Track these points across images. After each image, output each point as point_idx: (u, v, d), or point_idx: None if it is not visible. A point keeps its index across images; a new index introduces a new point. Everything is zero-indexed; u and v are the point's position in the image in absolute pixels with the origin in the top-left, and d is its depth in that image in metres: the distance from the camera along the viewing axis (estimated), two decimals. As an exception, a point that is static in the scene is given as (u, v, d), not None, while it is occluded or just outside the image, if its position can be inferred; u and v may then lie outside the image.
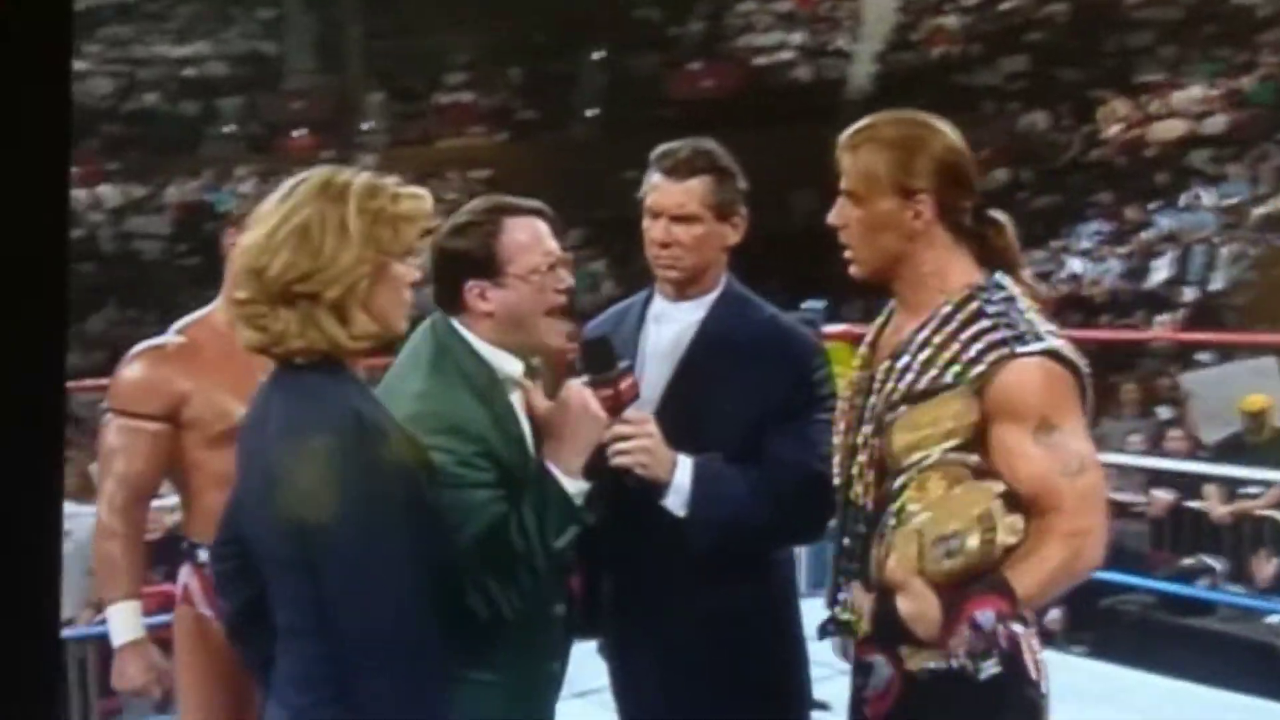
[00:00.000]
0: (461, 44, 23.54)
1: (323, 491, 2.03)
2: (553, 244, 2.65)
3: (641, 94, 21.16)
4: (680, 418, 2.77)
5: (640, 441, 2.64)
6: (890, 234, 2.38)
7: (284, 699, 2.14)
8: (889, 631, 2.28)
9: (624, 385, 2.64)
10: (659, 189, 2.90)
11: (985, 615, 2.17)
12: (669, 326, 2.93)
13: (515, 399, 2.64)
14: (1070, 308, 13.55)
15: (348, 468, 2.03)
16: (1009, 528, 2.23)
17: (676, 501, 2.68)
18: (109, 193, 19.84)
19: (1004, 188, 16.62)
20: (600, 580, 2.81)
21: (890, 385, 2.36)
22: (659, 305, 2.96)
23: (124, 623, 3.14)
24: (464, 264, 2.59)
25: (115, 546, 3.14)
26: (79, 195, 18.90)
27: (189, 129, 21.66)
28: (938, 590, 2.21)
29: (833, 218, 2.44)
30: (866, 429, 2.39)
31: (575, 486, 2.48)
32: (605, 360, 2.65)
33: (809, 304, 6.15)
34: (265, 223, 2.10)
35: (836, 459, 2.49)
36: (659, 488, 2.67)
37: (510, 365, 2.62)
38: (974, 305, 2.33)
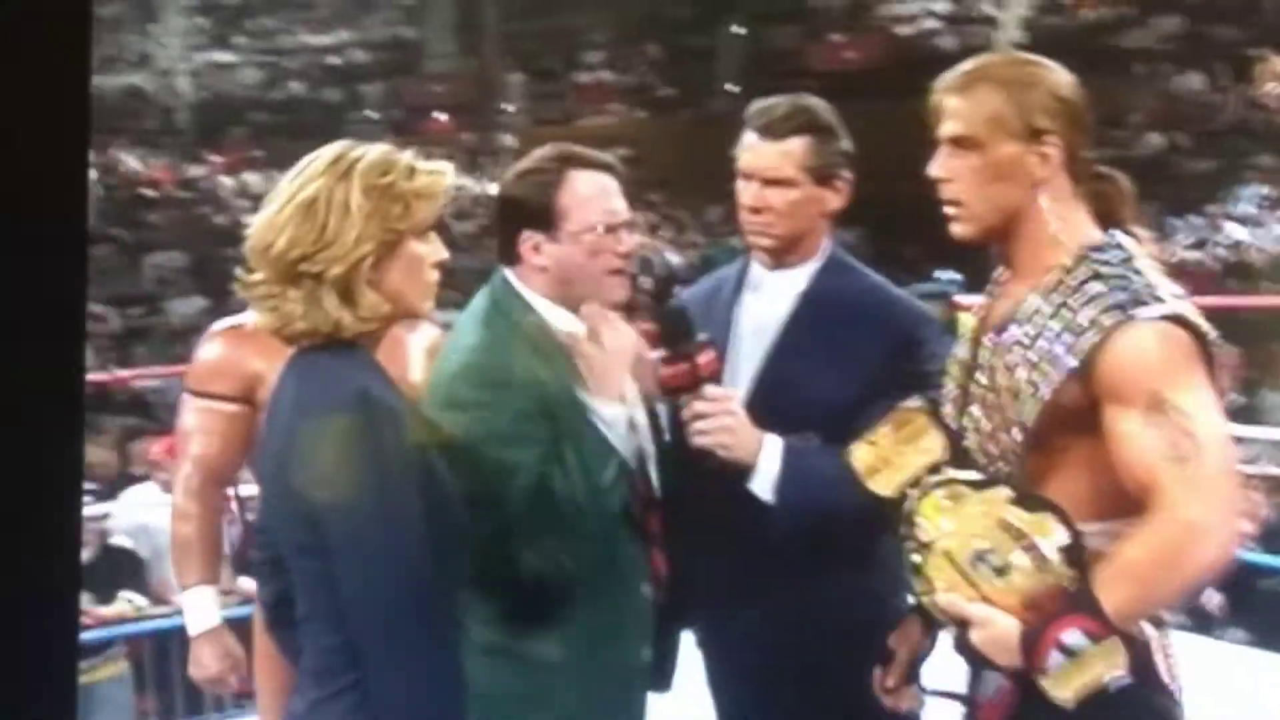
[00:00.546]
0: (599, 22, 23.44)
1: (329, 473, 1.98)
2: (617, 204, 2.50)
3: (782, 67, 20.80)
4: (775, 396, 2.58)
5: (721, 420, 2.44)
6: (1011, 183, 2.14)
7: (303, 691, 2.09)
8: (974, 659, 2.05)
9: (702, 359, 2.45)
10: (752, 150, 2.70)
11: (1073, 636, 1.91)
12: (766, 297, 2.73)
13: (578, 360, 2.48)
14: (1231, 274, 12.98)
15: (353, 449, 1.97)
16: (1042, 529, 1.97)
17: (763, 486, 2.48)
18: (255, 180, 20.19)
19: (1159, 152, 16.00)
20: (688, 567, 2.62)
21: (997, 363, 2.13)
22: (756, 274, 2.76)
23: (199, 609, 3.06)
24: (520, 213, 2.47)
25: (190, 530, 3.06)
26: (226, 183, 19.25)
27: (331, 115, 21.91)
28: (1014, 611, 1.97)
29: (937, 169, 2.20)
30: (974, 411, 2.16)
31: (609, 410, 2.36)
32: (682, 332, 2.48)
33: (944, 274, 5.93)
34: (275, 200, 2.07)
35: None
36: (744, 471, 2.47)
37: (568, 322, 2.47)
38: (1089, 266, 2.09)
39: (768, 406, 2.53)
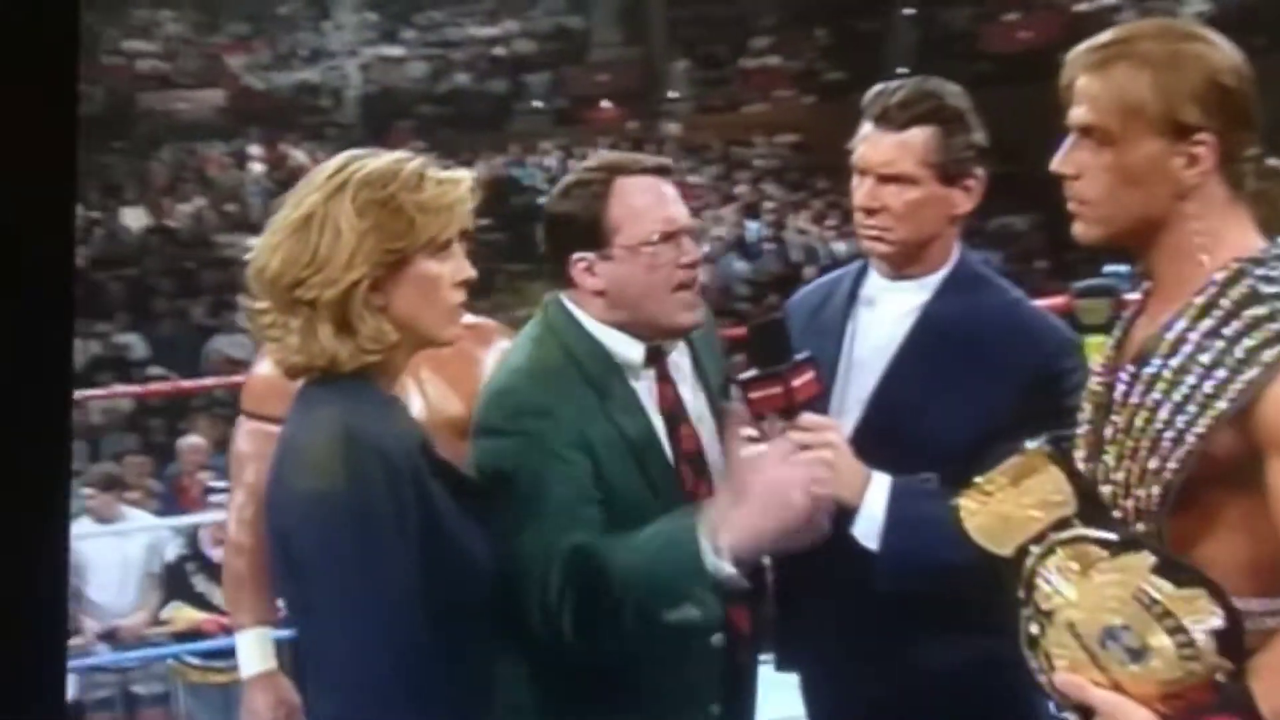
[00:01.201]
0: (766, 7, 23.04)
1: (304, 523, 1.82)
2: (675, 210, 2.25)
3: (955, 49, 20.24)
4: (887, 428, 2.28)
5: (819, 452, 2.12)
6: (1152, 188, 1.79)
7: None
8: None
9: (798, 382, 2.16)
10: (867, 141, 2.40)
11: None
12: (882, 312, 2.42)
13: (642, 389, 2.23)
14: None
15: (330, 496, 1.81)
16: (1192, 608, 1.60)
17: (866, 530, 2.18)
18: (419, 172, 20.25)
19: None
20: (789, 608, 2.33)
21: (1132, 403, 1.78)
22: (873, 284, 2.44)
23: (253, 651, 2.89)
24: (568, 232, 2.26)
25: (243, 564, 2.88)
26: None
27: (497, 106, 21.93)
28: (1150, 703, 1.61)
29: (1061, 163, 1.87)
30: (1108, 459, 1.81)
31: (716, 565, 2.00)
32: (776, 349, 2.20)
33: (1111, 268, 5.52)
34: (276, 218, 1.95)
35: None
36: (845, 512, 2.15)
37: (629, 350, 2.25)
38: (1246, 284, 1.73)
39: (878, 439, 2.22)
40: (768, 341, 2.20)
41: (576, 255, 2.24)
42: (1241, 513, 1.72)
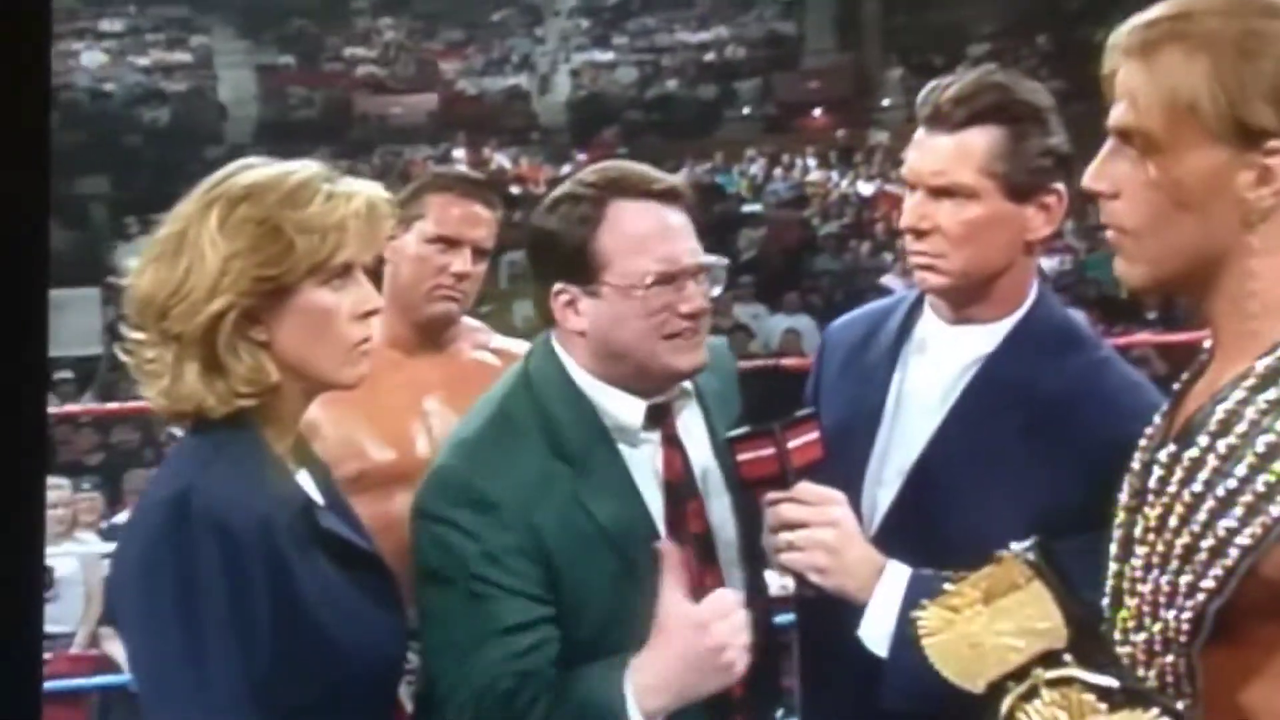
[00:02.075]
0: (986, 14, 22.24)
1: (124, 575, 1.59)
2: (680, 245, 1.85)
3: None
4: (930, 508, 1.85)
5: (818, 533, 1.70)
6: (1210, 214, 1.33)
7: None
8: None
9: (795, 443, 1.75)
10: (916, 146, 1.94)
11: None
12: (936, 360, 1.96)
13: (642, 457, 1.85)
14: None
15: (150, 559, 1.55)
16: None
17: (874, 635, 1.74)
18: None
19: None
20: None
21: (1169, 493, 1.33)
22: (928, 326, 1.99)
23: None
24: (551, 259, 1.87)
25: None
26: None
27: (705, 112, 21.67)
28: None
29: (1094, 178, 1.43)
30: (1135, 565, 1.37)
31: None
32: (772, 402, 1.78)
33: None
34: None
35: (1106, 599, 1.45)
36: (852, 607, 1.72)
37: (627, 411, 1.85)
38: None
39: (918, 523, 1.79)
40: (763, 392, 1.79)
41: (558, 286, 1.87)
42: None
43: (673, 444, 1.93)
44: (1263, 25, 1.32)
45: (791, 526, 1.74)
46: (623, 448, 1.88)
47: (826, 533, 1.71)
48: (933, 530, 1.79)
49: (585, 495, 1.81)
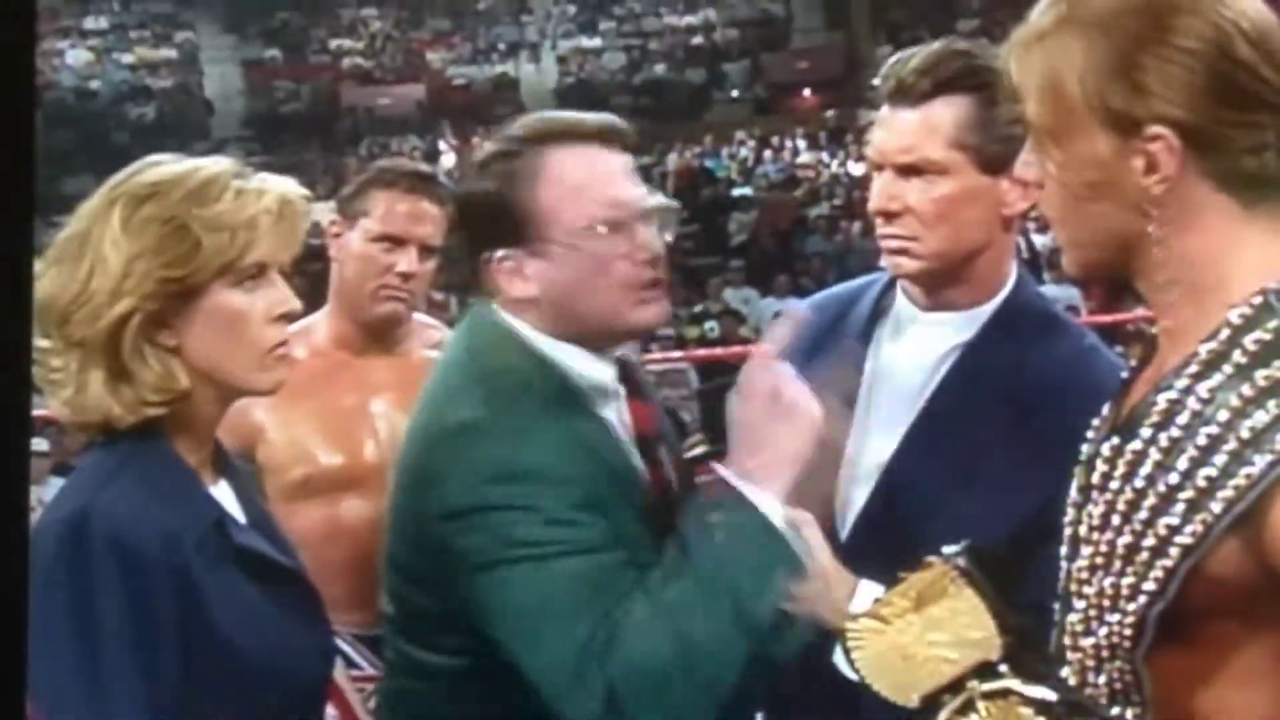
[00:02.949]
0: (974, -10, 22.22)
1: (36, 604, 1.36)
2: (626, 188, 1.71)
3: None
4: (907, 508, 1.75)
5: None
6: (1112, 203, 1.26)
7: None
8: None
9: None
10: (881, 123, 1.83)
11: None
12: (913, 350, 1.86)
13: (611, 414, 1.75)
14: None
15: (46, 579, 1.45)
16: None
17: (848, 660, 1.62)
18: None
19: None
20: None
21: (1111, 489, 1.26)
22: (901, 311, 1.89)
23: None
24: (487, 221, 1.72)
25: None
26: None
27: (694, 96, 21.62)
28: None
29: (1021, 168, 1.37)
30: (1080, 566, 1.29)
31: (781, 515, 1.58)
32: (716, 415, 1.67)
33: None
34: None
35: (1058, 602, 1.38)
36: (823, 632, 1.63)
37: (596, 370, 1.74)
38: (1270, 327, 1.19)
39: (893, 525, 1.69)
40: (722, 410, 1.69)
41: (500, 253, 1.70)
42: (1265, 655, 1.19)
43: (639, 396, 1.82)
44: (1125, 3, 1.24)
45: None
46: (593, 408, 1.76)
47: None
48: (910, 530, 1.67)
49: (594, 449, 1.70)
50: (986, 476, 1.73)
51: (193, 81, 22.58)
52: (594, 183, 1.70)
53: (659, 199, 1.77)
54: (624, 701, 1.55)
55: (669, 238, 1.76)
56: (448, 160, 18.61)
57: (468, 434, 1.70)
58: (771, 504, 1.57)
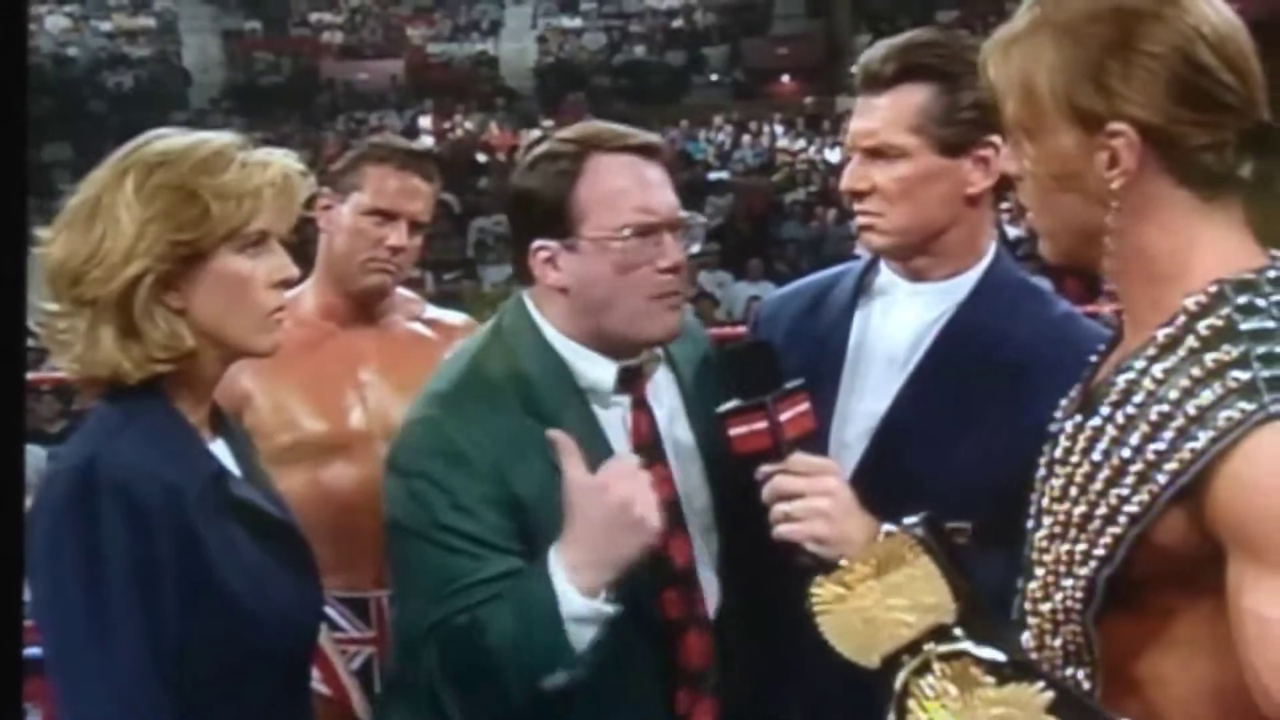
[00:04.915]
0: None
1: (32, 547, 1.58)
2: (657, 198, 1.86)
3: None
4: (901, 467, 1.85)
5: (814, 503, 1.67)
6: (1079, 195, 1.36)
7: None
8: None
9: (786, 415, 1.72)
10: (856, 111, 1.96)
11: None
12: (898, 321, 1.98)
13: (612, 419, 1.89)
14: None
15: (53, 528, 1.56)
16: None
17: None
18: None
19: None
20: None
21: (1071, 464, 1.35)
22: (885, 285, 2.01)
23: None
24: (530, 215, 1.89)
25: None
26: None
27: (674, 79, 21.64)
28: None
29: (1003, 162, 1.47)
30: (1040, 536, 1.38)
31: (584, 606, 1.73)
32: (760, 374, 1.75)
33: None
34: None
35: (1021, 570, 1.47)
36: None
37: (599, 371, 1.89)
38: (1221, 314, 1.28)
39: (888, 482, 1.76)
40: (749, 366, 1.77)
41: (538, 243, 1.88)
42: (1204, 623, 1.28)
43: (641, 408, 1.94)
44: (1095, 8, 1.33)
45: (788, 498, 1.71)
46: (595, 409, 1.90)
47: (823, 502, 1.67)
48: (900, 492, 1.75)
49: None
50: (980, 430, 1.84)
51: (171, 51, 22.50)
52: (631, 189, 1.85)
53: (687, 213, 1.91)
54: (448, 667, 1.78)
55: (695, 249, 1.89)
56: (427, 138, 18.63)
57: (438, 404, 1.89)
58: (572, 598, 1.72)
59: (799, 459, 1.71)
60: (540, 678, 1.73)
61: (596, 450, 1.83)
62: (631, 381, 1.93)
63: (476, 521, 1.78)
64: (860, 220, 1.96)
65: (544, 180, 1.87)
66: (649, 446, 1.91)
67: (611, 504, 1.72)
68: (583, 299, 1.87)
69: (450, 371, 1.93)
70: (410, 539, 1.82)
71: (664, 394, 1.98)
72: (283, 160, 1.68)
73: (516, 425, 1.83)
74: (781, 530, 1.68)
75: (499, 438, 1.82)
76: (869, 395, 1.96)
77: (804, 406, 1.75)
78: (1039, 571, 1.39)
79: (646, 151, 1.90)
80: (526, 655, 1.73)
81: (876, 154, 1.92)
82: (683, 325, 1.94)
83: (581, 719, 1.80)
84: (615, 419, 1.91)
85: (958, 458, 1.83)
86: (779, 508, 1.69)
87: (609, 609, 1.73)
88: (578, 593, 1.71)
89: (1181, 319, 1.30)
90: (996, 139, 1.87)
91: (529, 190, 1.89)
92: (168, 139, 1.66)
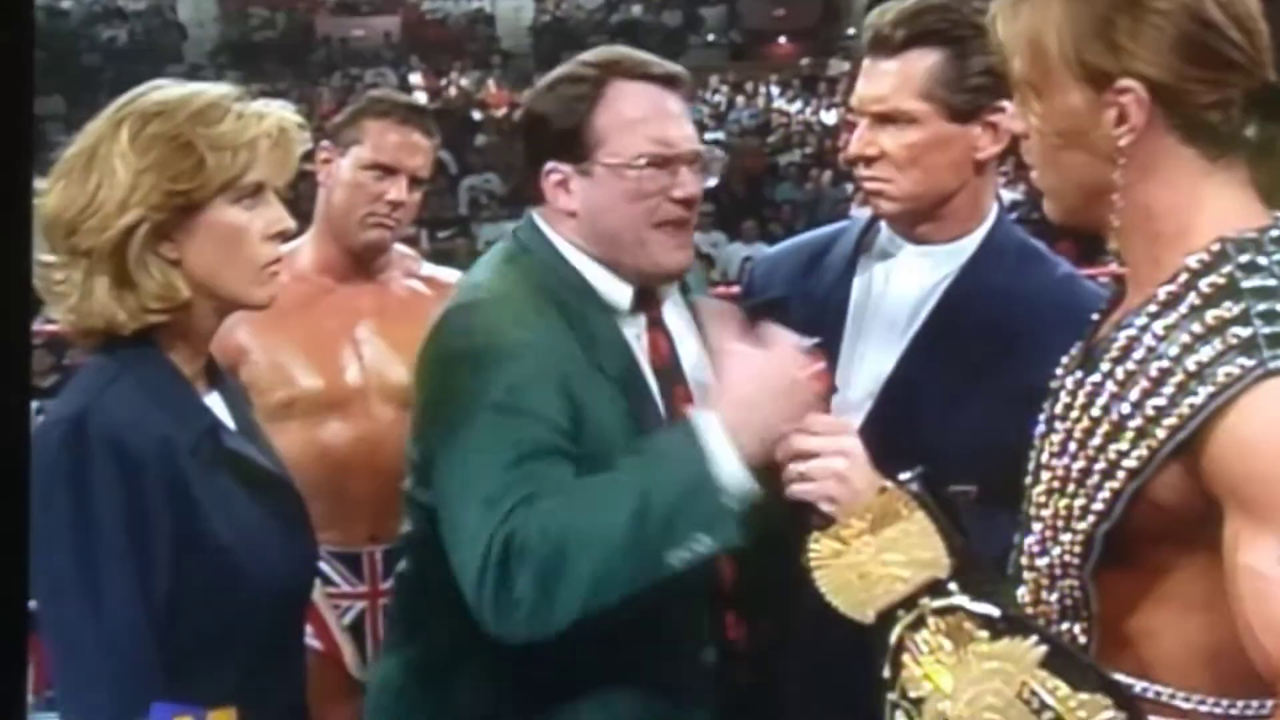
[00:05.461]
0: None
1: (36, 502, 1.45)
2: (676, 130, 1.85)
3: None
4: (906, 426, 1.85)
5: (830, 463, 1.65)
6: (1087, 152, 1.36)
7: None
8: None
9: None
10: (863, 74, 1.97)
11: None
12: (902, 282, 1.98)
13: (630, 335, 1.87)
14: None
15: (45, 480, 1.54)
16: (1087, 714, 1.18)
17: None
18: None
19: None
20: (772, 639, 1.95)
21: (1071, 419, 1.35)
22: (886, 246, 2.01)
23: None
24: (545, 137, 1.87)
25: None
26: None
27: (671, 39, 21.52)
28: None
29: (1008, 120, 1.49)
30: (1038, 491, 1.39)
31: (740, 481, 1.64)
32: None
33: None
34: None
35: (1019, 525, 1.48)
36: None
37: (615, 289, 1.87)
38: (1224, 272, 1.28)
39: (893, 442, 1.75)
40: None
41: (550, 165, 1.86)
42: (1198, 580, 1.29)
43: (658, 328, 1.93)
44: None
45: (803, 457, 1.71)
46: (619, 323, 1.89)
47: (838, 461, 1.63)
48: (909, 448, 1.74)
49: (598, 355, 1.82)
50: (985, 390, 1.85)
51: (166, 5, 22.35)
52: (649, 118, 1.84)
53: (705, 146, 1.89)
54: (515, 560, 1.64)
55: (711, 182, 1.88)
56: (420, 95, 18.55)
57: (484, 291, 1.87)
58: (730, 460, 1.64)
59: (815, 418, 1.69)
60: (679, 548, 1.64)
61: (627, 364, 1.84)
62: (647, 303, 1.92)
63: (534, 397, 1.74)
64: (868, 186, 1.96)
65: (562, 103, 1.85)
66: (668, 368, 1.91)
67: (774, 369, 1.67)
68: (591, 224, 1.86)
69: (483, 273, 1.92)
70: (463, 422, 1.74)
71: (678, 320, 1.97)
72: (280, 112, 1.67)
73: (557, 326, 1.82)
74: (795, 489, 1.66)
75: (548, 332, 1.80)
76: (872, 357, 1.96)
77: (818, 366, 1.76)
78: (1036, 526, 1.40)
79: (668, 81, 1.88)
80: (665, 523, 1.62)
81: (885, 119, 1.92)
82: (693, 260, 1.94)
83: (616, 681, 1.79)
84: (632, 339, 1.90)
85: (962, 419, 1.85)
86: (794, 467, 1.66)
87: (752, 485, 1.66)
88: (736, 455, 1.64)
89: (1183, 276, 1.31)
90: (1005, 104, 1.87)
91: (545, 113, 1.88)
92: (164, 90, 1.66)
